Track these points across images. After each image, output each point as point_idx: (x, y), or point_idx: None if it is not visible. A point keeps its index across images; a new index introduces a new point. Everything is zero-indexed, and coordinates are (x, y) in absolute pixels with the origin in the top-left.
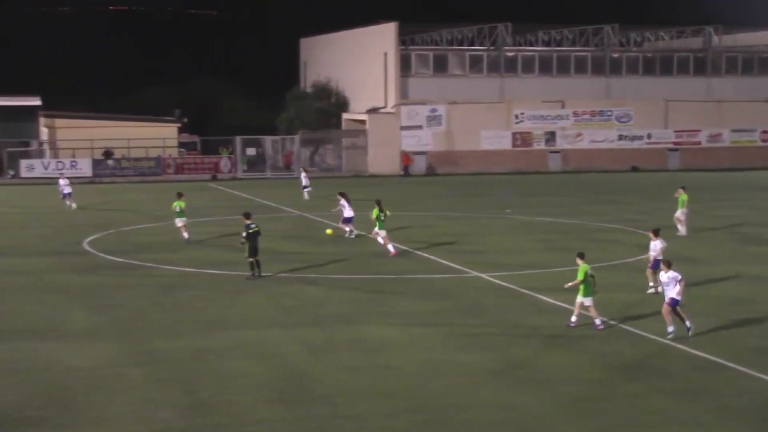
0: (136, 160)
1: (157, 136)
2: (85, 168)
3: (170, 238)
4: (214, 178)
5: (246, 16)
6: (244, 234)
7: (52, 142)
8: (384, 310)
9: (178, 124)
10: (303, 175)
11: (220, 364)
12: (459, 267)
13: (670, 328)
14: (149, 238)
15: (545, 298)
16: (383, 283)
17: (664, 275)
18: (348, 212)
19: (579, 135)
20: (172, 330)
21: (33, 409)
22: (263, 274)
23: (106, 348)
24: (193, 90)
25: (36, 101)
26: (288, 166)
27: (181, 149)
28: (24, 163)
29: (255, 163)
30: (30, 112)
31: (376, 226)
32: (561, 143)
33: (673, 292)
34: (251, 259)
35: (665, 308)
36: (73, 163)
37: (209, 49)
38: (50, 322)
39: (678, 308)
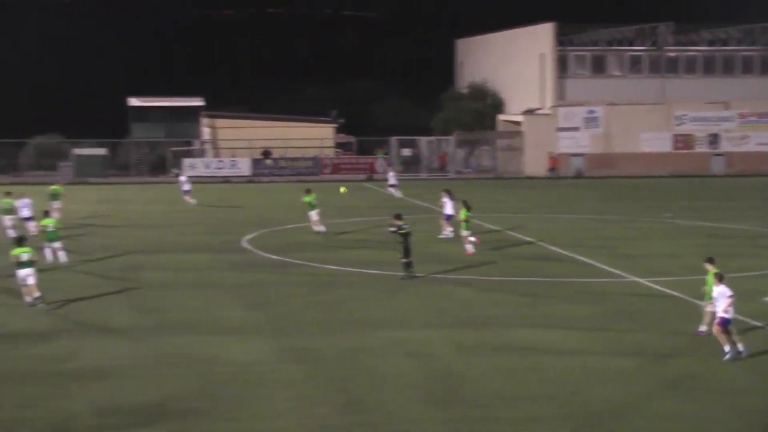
0: (294, 160)
1: (314, 137)
2: (244, 168)
3: (326, 237)
4: (369, 179)
5: (403, 17)
6: (392, 229)
7: (213, 142)
8: (538, 313)
9: (335, 125)
10: (390, 174)
11: (374, 363)
12: (616, 271)
13: (726, 348)
14: (306, 236)
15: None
16: (537, 286)
17: (715, 289)
18: (449, 210)
19: (745, 137)
20: (327, 328)
21: (193, 402)
22: (416, 274)
23: (263, 344)
24: (349, 91)
25: (199, 102)
26: (443, 167)
27: (338, 149)
28: (186, 162)
29: (410, 164)
30: (193, 113)
31: (462, 226)
32: (725, 146)
33: (720, 308)
34: (405, 260)
35: (715, 328)
36: (233, 163)
37: (366, 49)
38: (210, 317)
39: (729, 327)
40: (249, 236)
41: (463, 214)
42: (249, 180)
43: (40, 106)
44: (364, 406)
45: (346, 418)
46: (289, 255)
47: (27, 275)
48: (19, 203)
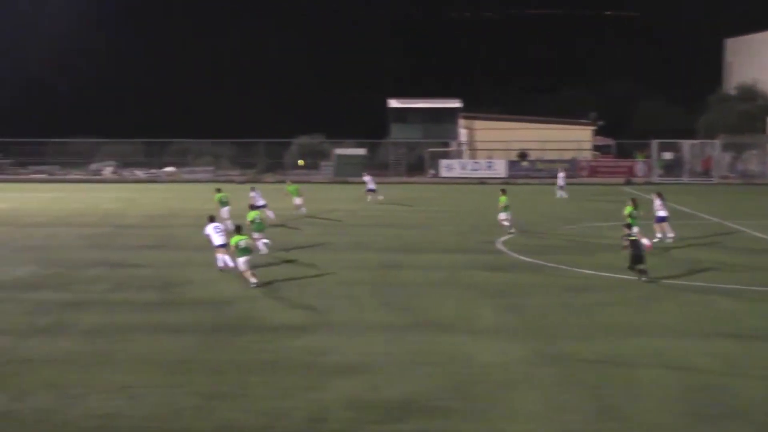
0: (550, 162)
1: (571, 139)
2: (500, 169)
3: (582, 241)
4: (628, 182)
5: (663, 17)
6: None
7: (470, 143)
8: None
9: (593, 127)
10: (561, 175)
11: (629, 371)
12: None
13: None
14: (560, 240)
15: None
16: None
17: None
18: (662, 212)
19: None
20: (580, 333)
21: (443, 400)
22: (644, 279)
23: (514, 346)
24: (608, 92)
25: (456, 103)
26: (707, 172)
27: (596, 152)
28: (443, 163)
29: (672, 168)
30: (450, 114)
31: (628, 221)
32: None
33: None
34: (636, 267)
35: None
36: (489, 164)
37: (626, 50)
38: (463, 317)
39: None
40: (503, 238)
41: (628, 210)
42: (504, 181)
43: (305, 107)
44: (619, 415)
45: (599, 426)
46: (543, 258)
47: (245, 261)
48: (253, 194)
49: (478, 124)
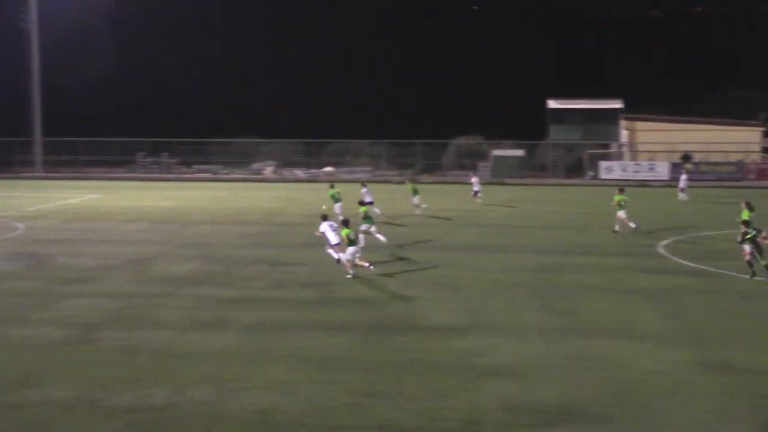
0: (715, 164)
1: (738, 140)
2: (662, 171)
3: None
4: None
5: None
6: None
7: (631, 145)
8: None
9: (763, 128)
10: (683, 177)
11: None
12: None
13: None
14: (725, 244)
15: None
16: None
17: None
18: None
19: None
20: (748, 341)
21: (602, 406)
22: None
23: (678, 353)
24: None
25: (617, 104)
26: None
27: (765, 154)
28: (603, 164)
29: None
30: (611, 115)
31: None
32: None
33: None
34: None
35: None
36: (651, 166)
37: None
38: (623, 322)
39: None
40: (665, 242)
41: (745, 215)
42: (667, 184)
43: (463, 108)
44: None
45: None
46: (707, 263)
47: (354, 252)
48: (363, 191)
49: (640, 125)
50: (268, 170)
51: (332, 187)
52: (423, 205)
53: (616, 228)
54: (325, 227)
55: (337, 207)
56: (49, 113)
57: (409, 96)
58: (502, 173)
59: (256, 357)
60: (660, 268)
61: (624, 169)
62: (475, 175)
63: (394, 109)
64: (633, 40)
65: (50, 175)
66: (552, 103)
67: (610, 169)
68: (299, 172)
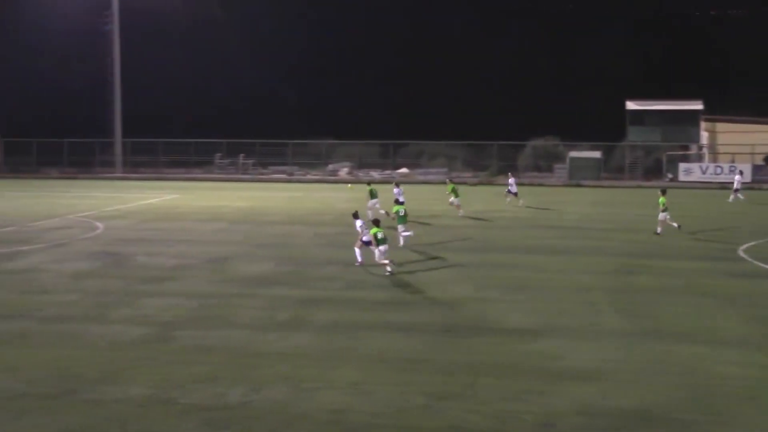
0: None
1: None
2: (744, 174)
3: None
4: None
5: None
6: None
7: (711, 147)
8: None
9: None
10: (737, 178)
11: None
12: None
13: None
14: None
15: None
16: None
17: None
18: None
19: None
20: None
21: (680, 411)
22: None
23: (759, 358)
24: None
25: (698, 105)
26: None
27: None
28: (682, 166)
29: None
30: (691, 116)
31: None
32: None
33: None
34: None
35: None
36: (732, 168)
37: None
38: (702, 326)
39: None
40: (746, 245)
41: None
42: (749, 186)
43: (540, 109)
44: None
45: None
46: None
47: (384, 251)
48: (396, 191)
49: (721, 126)
50: (344, 171)
51: (369, 184)
52: (460, 212)
53: (659, 230)
54: (359, 225)
55: (372, 203)
56: (129, 115)
57: (485, 97)
58: (578, 175)
59: (330, 357)
60: (741, 271)
61: (704, 171)
62: (512, 176)
63: (470, 110)
64: (714, 40)
65: (130, 175)
66: (630, 105)
67: (689, 171)
68: (374, 173)
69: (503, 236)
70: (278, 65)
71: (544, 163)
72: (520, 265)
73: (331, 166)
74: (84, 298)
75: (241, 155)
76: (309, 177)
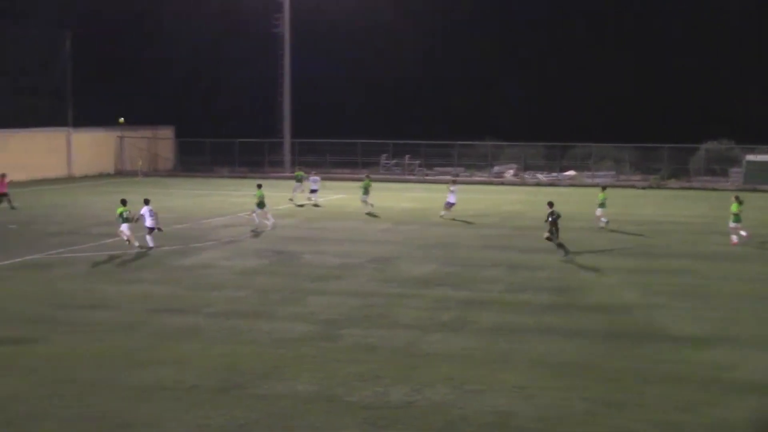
0: None
1: None
2: None
3: None
4: None
5: None
6: None
7: None
8: None
9: None
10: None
11: None
12: None
13: None
14: None
15: None
16: None
17: None
18: None
19: None
20: None
21: None
22: None
23: None
24: None
25: None
26: None
27: None
28: None
29: None
30: None
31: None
32: None
33: None
34: None
35: None
36: None
37: None
38: None
39: None
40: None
41: (734, 207)
42: None
43: (714, 110)
44: None
45: None
46: None
47: None
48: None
49: None
50: (509, 173)
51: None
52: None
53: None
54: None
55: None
56: (297, 115)
57: (656, 97)
58: (755, 179)
59: (493, 360)
60: None
61: None
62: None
63: (639, 111)
64: None
65: (370, 175)
66: None
67: None
68: (540, 176)
69: (668, 242)
70: (442, 65)
71: (718, 167)
72: (685, 271)
73: (496, 168)
74: (252, 295)
75: (407, 156)
76: (474, 179)
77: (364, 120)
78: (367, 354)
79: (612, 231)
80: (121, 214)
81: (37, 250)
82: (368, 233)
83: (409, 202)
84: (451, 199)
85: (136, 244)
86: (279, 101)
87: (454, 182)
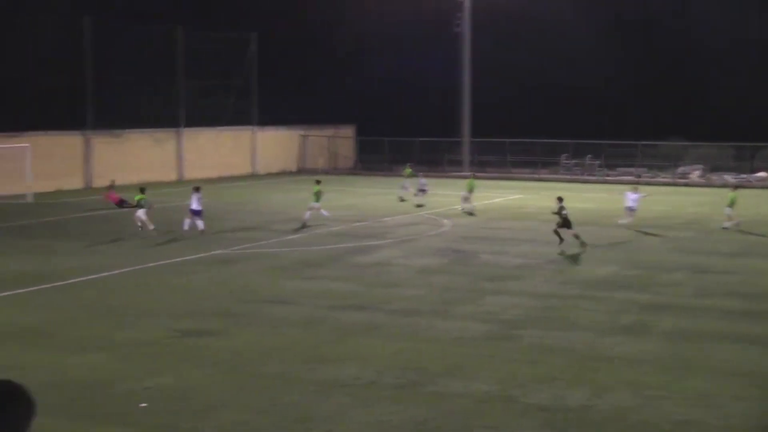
0: None
1: None
2: None
3: None
4: None
5: None
6: None
7: None
8: None
9: None
10: None
11: None
12: None
13: None
14: None
15: None
16: None
17: None
18: None
19: None
20: None
21: None
22: None
23: None
24: None
25: None
26: None
27: None
28: None
29: None
30: None
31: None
32: None
33: None
34: None
35: None
36: None
37: None
38: None
39: None
40: None
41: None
42: None
43: None
44: None
45: None
46: None
47: None
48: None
49: None
50: (695, 174)
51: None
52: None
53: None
54: None
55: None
56: (476, 115)
57: None
58: None
59: (676, 366)
60: None
61: None
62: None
63: None
64: None
65: (476, 174)
66: None
67: None
68: (728, 177)
69: None
70: (625, 63)
71: None
72: None
73: (681, 169)
74: (430, 293)
75: (588, 156)
76: (658, 180)
77: (544, 119)
78: (545, 355)
79: None
80: (139, 201)
81: (223, 245)
82: (547, 234)
83: (587, 203)
84: (631, 203)
85: (151, 227)
86: (458, 100)
87: (635, 189)
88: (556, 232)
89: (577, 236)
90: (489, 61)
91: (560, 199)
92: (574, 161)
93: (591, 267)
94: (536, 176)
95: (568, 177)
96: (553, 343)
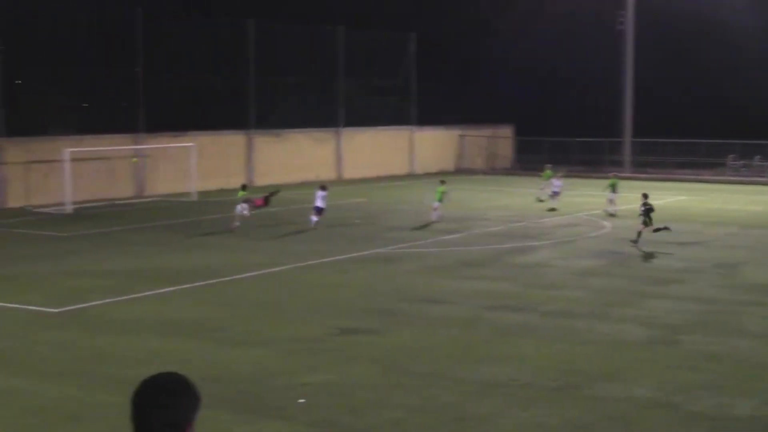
0: None
1: None
2: None
3: None
4: None
5: None
6: None
7: None
8: None
9: None
10: None
11: None
12: None
13: None
14: None
15: None
16: None
17: None
18: None
19: None
20: None
21: None
22: None
23: None
24: None
25: None
26: None
27: None
28: None
29: None
30: None
31: None
32: None
33: None
34: None
35: None
36: None
37: None
38: None
39: None
40: None
41: None
42: None
43: None
44: None
45: None
46: None
47: None
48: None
49: None
50: None
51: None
52: None
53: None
54: None
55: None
56: (639, 114)
57: None
58: None
59: None
60: None
61: None
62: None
63: None
64: None
65: (637, 175)
66: None
67: None
68: None
69: None
70: None
71: None
72: None
73: None
74: (588, 296)
75: (757, 157)
76: None
77: (711, 119)
78: (709, 362)
79: None
80: (241, 197)
81: (381, 244)
82: (712, 237)
83: (758, 206)
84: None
85: (237, 224)
86: (620, 100)
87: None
88: (656, 230)
89: (640, 233)
90: (654, 60)
91: (645, 196)
92: (741, 162)
93: (759, 272)
94: (699, 178)
95: (735, 178)
96: (718, 350)
